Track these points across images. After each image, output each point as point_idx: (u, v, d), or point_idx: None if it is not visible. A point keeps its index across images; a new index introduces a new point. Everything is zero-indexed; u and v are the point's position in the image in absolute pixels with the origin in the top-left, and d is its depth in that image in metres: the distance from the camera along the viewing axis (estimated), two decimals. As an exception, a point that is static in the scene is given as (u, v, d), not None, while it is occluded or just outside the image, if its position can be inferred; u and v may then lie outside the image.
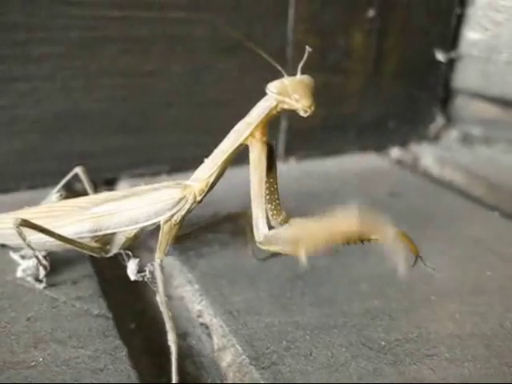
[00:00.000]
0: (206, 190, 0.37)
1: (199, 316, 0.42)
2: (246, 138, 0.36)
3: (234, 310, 0.40)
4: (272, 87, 0.35)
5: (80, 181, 0.46)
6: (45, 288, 0.41)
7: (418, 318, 0.42)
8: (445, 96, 0.79)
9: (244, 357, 0.36)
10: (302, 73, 0.36)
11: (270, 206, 0.37)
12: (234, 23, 0.60)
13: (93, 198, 0.42)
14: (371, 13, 0.66)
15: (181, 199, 0.37)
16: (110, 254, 0.41)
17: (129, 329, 0.40)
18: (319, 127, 0.69)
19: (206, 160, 0.38)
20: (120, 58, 0.56)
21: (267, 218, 0.36)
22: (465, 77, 0.78)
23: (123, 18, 0.54)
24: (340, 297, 0.43)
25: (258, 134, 0.36)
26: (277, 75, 0.63)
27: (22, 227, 0.36)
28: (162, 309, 0.35)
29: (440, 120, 0.79)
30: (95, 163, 0.57)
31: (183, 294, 0.44)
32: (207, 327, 0.41)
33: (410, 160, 0.77)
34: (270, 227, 0.36)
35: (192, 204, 0.38)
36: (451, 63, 0.76)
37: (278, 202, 0.37)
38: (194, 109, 0.60)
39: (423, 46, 0.73)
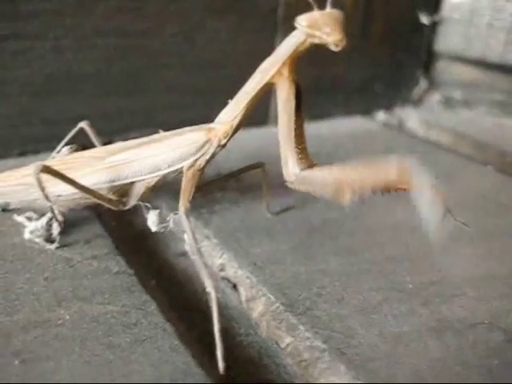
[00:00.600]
0: (230, 132, 0.36)
1: (221, 270, 0.41)
2: (273, 77, 0.35)
3: (257, 262, 0.39)
4: (302, 20, 0.34)
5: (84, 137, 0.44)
6: (57, 248, 0.39)
7: (438, 262, 0.42)
8: (428, 59, 0.79)
9: (278, 305, 0.35)
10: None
11: (296, 149, 0.35)
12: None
13: (108, 147, 0.40)
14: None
15: (205, 142, 0.36)
16: (129, 207, 0.39)
17: (150, 285, 0.39)
18: (308, 90, 0.68)
19: (230, 102, 0.36)
20: (113, 16, 0.53)
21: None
22: (447, 40, 0.78)
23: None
24: (359, 246, 0.43)
25: (285, 72, 0.35)
26: (268, 37, 0.63)
27: (41, 175, 0.34)
28: (195, 257, 0.33)
29: (423, 83, 0.79)
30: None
31: (206, 249, 0.43)
32: (230, 280, 0.40)
33: (395, 123, 0.77)
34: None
35: (217, 147, 0.36)
36: (434, 26, 0.77)
37: (304, 145, 0.36)
38: (187, 70, 0.58)
39: (408, 9, 0.73)
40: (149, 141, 0.38)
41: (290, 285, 0.37)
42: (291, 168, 0.33)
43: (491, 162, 0.65)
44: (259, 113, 0.66)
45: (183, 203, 0.35)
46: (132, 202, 0.39)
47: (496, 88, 0.78)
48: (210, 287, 0.31)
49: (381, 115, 0.77)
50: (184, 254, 0.43)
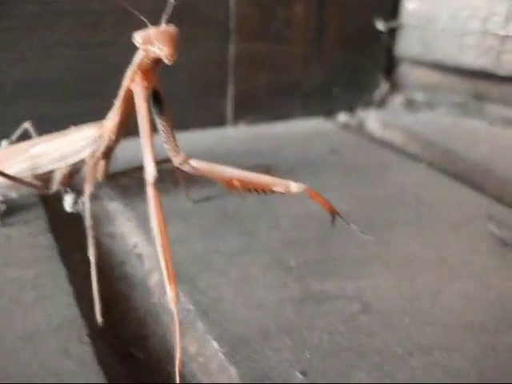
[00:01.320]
0: (115, 128, 0.42)
1: (135, 247, 0.48)
2: (129, 84, 0.40)
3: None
4: (137, 36, 0.37)
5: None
6: (0, 227, 0.47)
7: (329, 245, 0.47)
8: (389, 63, 0.84)
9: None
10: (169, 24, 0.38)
11: (167, 147, 0.40)
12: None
13: (32, 141, 0.48)
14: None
15: (98, 137, 0.43)
16: (52, 191, 0.46)
17: (74, 258, 0.46)
18: (265, 93, 0.75)
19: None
20: (74, 30, 0.61)
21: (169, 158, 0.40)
22: (406, 45, 0.83)
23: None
24: (262, 230, 0.49)
25: (138, 81, 0.39)
26: (220, 48, 0.69)
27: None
28: (87, 231, 0.40)
29: (384, 86, 0.84)
30: (53, 127, 0.62)
31: (123, 230, 0.50)
32: (141, 257, 0.47)
33: (355, 124, 0.82)
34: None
35: (109, 141, 0.43)
36: (392, 32, 0.82)
37: (174, 143, 0.40)
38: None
39: (364, 16, 0.78)
40: (60, 135, 0.46)
41: (185, 260, 0.44)
42: (150, 170, 0.35)
43: (434, 158, 0.69)
44: (216, 115, 0.73)
45: (87, 187, 0.42)
46: (55, 187, 0.46)
47: (455, 90, 0.83)
48: (91, 255, 0.38)
49: (342, 117, 0.83)
50: (111, 234, 0.50)
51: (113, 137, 0.43)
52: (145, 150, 0.36)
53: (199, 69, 0.69)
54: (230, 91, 0.72)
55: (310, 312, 0.39)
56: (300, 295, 0.41)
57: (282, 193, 0.39)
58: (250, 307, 0.39)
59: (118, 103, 0.41)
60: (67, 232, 0.49)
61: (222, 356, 0.34)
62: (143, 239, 0.47)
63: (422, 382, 0.33)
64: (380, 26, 0.80)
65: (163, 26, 0.37)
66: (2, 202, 0.48)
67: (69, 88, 0.63)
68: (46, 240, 0.46)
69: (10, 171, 0.45)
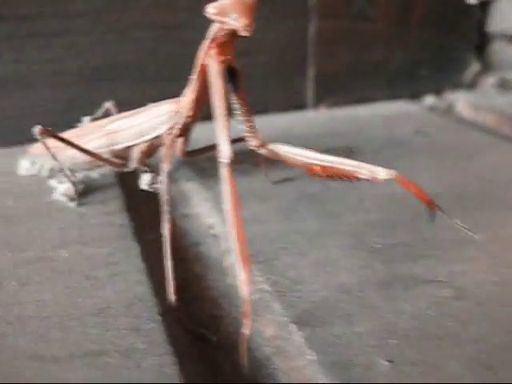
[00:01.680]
0: (192, 105, 0.40)
1: (210, 227, 0.46)
2: (203, 59, 0.37)
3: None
4: (210, 8, 0.34)
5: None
6: (77, 206, 0.47)
7: (418, 227, 0.44)
8: (480, 41, 0.78)
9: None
10: None
11: (243, 128, 0.38)
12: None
13: (111, 117, 0.47)
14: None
15: (175, 113, 0.41)
16: (130, 169, 0.45)
17: (148, 238, 0.44)
18: (347, 74, 0.71)
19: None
20: (150, 11, 0.60)
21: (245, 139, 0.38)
22: (500, 20, 0.77)
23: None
24: (342, 211, 0.46)
25: (214, 55, 0.36)
26: (300, 25, 0.67)
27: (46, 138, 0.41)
28: (163, 210, 0.38)
29: (475, 66, 0.79)
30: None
31: (199, 211, 0.48)
32: (217, 238, 0.45)
33: (443, 107, 0.77)
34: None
35: (186, 118, 0.41)
36: (485, 6, 0.76)
37: (251, 124, 0.38)
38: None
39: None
40: (137, 111, 0.44)
41: (262, 240, 0.42)
42: (225, 150, 0.33)
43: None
44: (296, 97, 0.70)
45: (165, 166, 0.40)
46: (132, 164, 0.45)
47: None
48: (165, 232, 0.37)
49: (429, 99, 0.78)
50: (186, 215, 0.48)
51: (190, 113, 0.41)
52: (219, 129, 0.34)
53: (279, 49, 0.66)
54: (311, 72, 0.69)
55: (396, 296, 0.36)
56: (386, 278, 0.37)
57: (368, 180, 0.35)
58: (330, 289, 0.36)
59: (193, 79, 0.39)
60: (143, 211, 0.48)
61: (300, 339, 0.32)
62: (219, 220, 0.45)
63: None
64: (471, 0, 0.74)
65: None
66: (81, 183, 0.48)
67: (146, 70, 0.63)
68: (121, 219, 0.45)
69: (88, 147, 0.44)
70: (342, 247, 0.41)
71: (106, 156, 0.45)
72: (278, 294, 0.36)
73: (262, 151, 0.37)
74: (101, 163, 0.45)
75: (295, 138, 0.62)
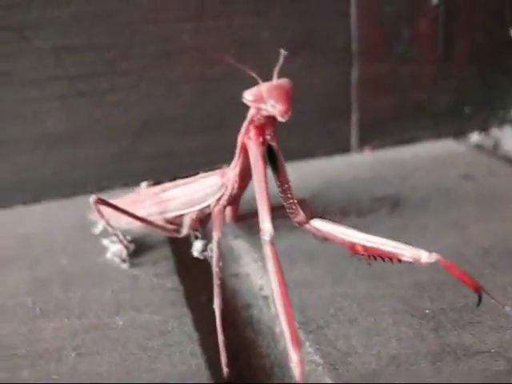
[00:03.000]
0: (237, 178, 0.41)
1: (261, 289, 0.46)
2: (243, 140, 0.38)
3: (290, 283, 0.44)
4: (247, 95, 0.36)
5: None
6: (129, 267, 0.48)
7: (467, 289, 0.43)
8: (526, 77, 0.77)
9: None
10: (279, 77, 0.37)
11: (285, 205, 0.39)
12: (298, 24, 0.64)
13: (164, 185, 0.49)
14: (435, 0, 0.67)
15: (221, 185, 0.42)
16: (182, 235, 0.47)
17: (200, 301, 0.45)
18: (391, 116, 0.71)
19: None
20: (194, 65, 0.62)
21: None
22: (547, 56, 0.76)
23: (194, 30, 0.61)
24: (390, 272, 0.46)
25: (253, 137, 0.37)
26: (343, 72, 0.67)
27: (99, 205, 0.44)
28: (214, 277, 0.39)
29: (522, 102, 0.77)
30: (178, 161, 0.64)
31: (249, 271, 0.49)
32: (268, 301, 0.45)
33: (490, 145, 0.76)
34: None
35: (231, 190, 0.42)
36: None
37: (292, 201, 0.39)
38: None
39: (496, 27, 0.72)
40: (188, 181, 0.46)
41: (311, 306, 0.42)
42: (266, 226, 0.34)
43: None
44: (340, 141, 0.71)
45: (215, 233, 0.41)
46: (184, 231, 0.46)
47: None
48: (215, 305, 0.38)
49: (475, 137, 0.77)
50: (236, 275, 0.49)
51: (235, 185, 0.42)
52: (260, 207, 0.35)
53: (322, 95, 0.67)
54: (355, 116, 0.69)
55: (448, 369, 0.35)
56: (436, 349, 0.37)
57: (410, 263, 0.36)
58: (382, 361, 0.36)
59: (237, 155, 0.40)
60: (193, 273, 0.49)
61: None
62: (269, 281, 0.46)
63: None
64: (515, 36, 0.73)
65: (275, 81, 0.36)
66: (131, 242, 0.50)
67: (192, 123, 0.64)
68: (171, 282, 0.46)
69: (142, 212, 0.46)
70: (390, 313, 0.41)
71: (159, 222, 0.46)
72: (329, 366, 0.36)
73: (306, 228, 0.38)
74: (154, 229, 0.47)
75: (340, 184, 0.62)
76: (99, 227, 0.53)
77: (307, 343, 0.38)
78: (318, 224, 0.38)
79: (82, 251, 0.52)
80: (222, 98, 0.64)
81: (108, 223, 0.46)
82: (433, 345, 0.37)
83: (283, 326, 0.32)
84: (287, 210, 0.39)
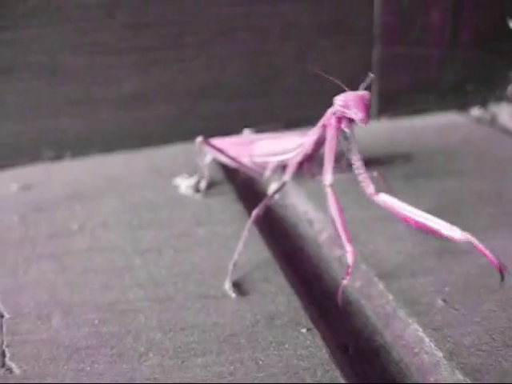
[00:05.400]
0: (312, 144, 0.51)
1: (305, 213, 0.60)
2: (325, 122, 0.49)
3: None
4: (338, 100, 0.44)
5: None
6: (202, 197, 0.62)
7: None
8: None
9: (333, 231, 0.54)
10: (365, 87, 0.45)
11: (359, 179, 0.47)
12: (327, 10, 0.77)
13: (258, 136, 0.63)
14: (445, -6, 0.81)
15: (300, 144, 0.53)
16: (265, 177, 0.59)
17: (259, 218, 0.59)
18: (405, 91, 0.85)
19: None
20: (246, 43, 0.75)
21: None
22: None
23: (248, 13, 0.74)
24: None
25: (333, 123, 0.47)
26: (365, 53, 0.80)
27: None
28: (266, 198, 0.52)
29: (517, 82, 0.91)
30: (228, 122, 0.77)
31: (295, 202, 0.63)
32: (311, 221, 0.59)
33: (488, 118, 0.89)
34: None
35: (306, 151, 0.52)
36: (526, 30, 0.88)
37: (364, 176, 0.47)
38: (302, 80, 0.79)
39: (496, 17, 0.85)
40: (276, 136, 0.59)
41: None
42: (327, 177, 0.47)
43: None
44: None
45: (284, 177, 0.54)
46: (267, 174, 0.58)
47: None
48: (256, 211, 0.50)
49: (475, 111, 0.90)
50: (285, 205, 0.63)
51: (309, 148, 0.52)
52: (326, 165, 0.47)
53: (348, 70, 0.80)
54: (375, 89, 0.83)
55: (448, 260, 0.49)
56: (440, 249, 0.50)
57: (447, 238, 0.43)
58: (400, 256, 0.50)
59: (316, 128, 0.50)
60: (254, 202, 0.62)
61: (381, 287, 0.46)
62: (312, 208, 0.59)
63: None
64: (512, 25, 0.86)
65: (359, 92, 0.44)
66: (208, 179, 0.63)
67: (242, 90, 0.78)
68: (237, 206, 0.60)
69: (237, 154, 0.59)
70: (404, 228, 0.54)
71: (248, 164, 0.59)
72: (363, 258, 0.50)
73: (374, 198, 0.47)
74: (243, 168, 0.60)
75: (362, 145, 0.76)
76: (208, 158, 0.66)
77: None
78: (383, 197, 0.46)
79: (159, 187, 0.65)
80: (267, 70, 0.77)
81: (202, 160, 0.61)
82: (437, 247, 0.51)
83: (340, 230, 0.45)
84: (360, 184, 0.47)
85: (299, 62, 0.78)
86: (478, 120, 0.88)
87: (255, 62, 0.77)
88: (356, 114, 0.43)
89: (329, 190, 0.47)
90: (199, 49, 0.75)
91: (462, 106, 0.90)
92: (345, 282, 0.44)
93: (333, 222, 0.46)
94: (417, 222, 0.44)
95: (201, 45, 0.74)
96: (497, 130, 0.84)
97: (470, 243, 0.41)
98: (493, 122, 0.89)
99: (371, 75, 0.45)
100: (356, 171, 0.48)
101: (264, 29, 0.76)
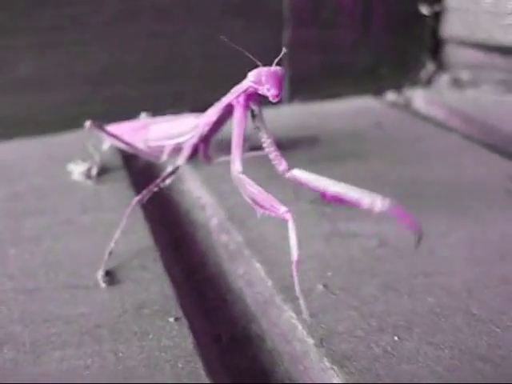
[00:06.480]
0: (210, 125, 0.49)
1: (199, 198, 0.58)
2: (232, 101, 0.46)
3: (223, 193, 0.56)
4: (250, 76, 0.42)
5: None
6: (94, 183, 0.59)
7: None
8: (435, 45, 0.90)
9: (224, 220, 0.52)
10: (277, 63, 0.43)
11: (271, 157, 0.45)
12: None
13: (154, 119, 0.59)
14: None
15: (195, 126, 0.51)
16: (162, 160, 0.56)
17: (148, 208, 0.56)
18: (318, 74, 0.84)
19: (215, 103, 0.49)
20: (149, 24, 0.72)
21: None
22: (451, 27, 0.89)
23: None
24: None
25: (241, 101, 0.45)
26: (275, 35, 0.79)
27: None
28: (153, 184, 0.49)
29: (430, 66, 0.91)
30: (132, 107, 0.74)
31: (190, 187, 0.60)
32: (204, 207, 0.57)
33: (403, 102, 0.89)
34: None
35: (202, 132, 0.50)
36: (437, 15, 0.88)
37: (276, 153, 0.45)
38: (207, 62, 0.76)
39: (408, 2, 0.85)
40: (171, 119, 0.56)
41: (239, 207, 0.54)
42: (236, 167, 0.43)
43: (473, 132, 0.76)
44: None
45: (178, 161, 0.51)
46: (164, 158, 0.55)
47: (498, 68, 0.88)
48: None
49: (390, 95, 0.90)
50: (180, 191, 0.61)
51: (206, 129, 0.50)
52: (234, 151, 0.44)
53: (257, 53, 0.78)
54: (286, 73, 0.81)
55: (335, 244, 0.48)
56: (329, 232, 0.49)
57: (367, 209, 0.39)
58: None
59: (218, 107, 0.48)
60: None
61: (262, 273, 0.44)
62: (205, 193, 0.57)
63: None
64: (424, 10, 0.86)
65: (272, 68, 0.42)
66: (99, 166, 0.60)
67: (145, 73, 0.75)
68: (128, 192, 0.57)
69: (133, 139, 0.56)
70: (297, 212, 0.53)
71: (144, 149, 0.56)
72: (248, 243, 0.48)
73: (287, 176, 0.43)
74: (139, 153, 0.56)
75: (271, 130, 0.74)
76: (106, 144, 0.63)
77: (233, 231, 0.50)
78: (297, 173, 0.43)
79: (51, 174, 0.62)
80: (171, 53, 0.75)
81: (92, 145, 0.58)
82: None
83: (266, 208, 0.41)
84: (272, 162, 0.44)
85: (205, 44, 0.76)
86: (393, 104, 0.88)
87: (159, 44, 0.74)
88: (269, 89, 0.41)
89: (240, 178, 0.42)
90: (99, 30, 0.71)
91: (377, 91, 0.89)
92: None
93: (254, 203, 0.41)
94: (335, 196, 0.41)
95: (101, 26, 0.71)
96: (410, 114, 0.84)
97: (389, 212, 0.38)
98: (407, 106, 0.89)
99: (284, 50, 0.44)
100: (267, 149, 0.45)
101: (168, 10, 0.73)
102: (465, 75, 0.92)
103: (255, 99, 0.45)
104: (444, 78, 0.93)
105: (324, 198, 0.41)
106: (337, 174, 0.58)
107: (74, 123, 0.73)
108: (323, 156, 0.66)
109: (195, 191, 0.60)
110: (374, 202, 0.38)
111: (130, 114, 0.68)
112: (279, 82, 0.41)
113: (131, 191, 0.57)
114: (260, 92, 0.42)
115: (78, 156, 0.64)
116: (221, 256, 0.50)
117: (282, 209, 0.40)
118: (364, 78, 0.87)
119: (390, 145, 0.70)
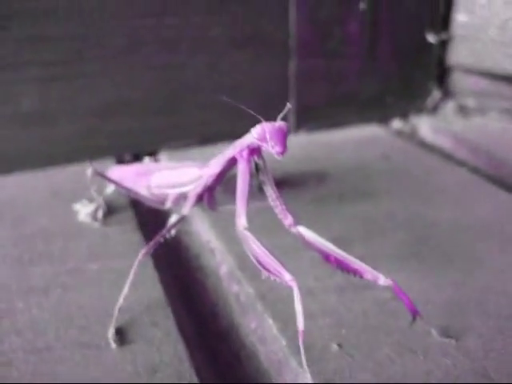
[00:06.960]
0: (213, 176, 0.48)
1: (208, 242, 0.57)
2: (236, 155, 0.45)
3: (231, 238, 0.55)
4: (254, 131, 0.42)
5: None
6: (100, 226, 0.58)
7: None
8: (441, 72, 0.90)
9: (235, 269, 0.51)
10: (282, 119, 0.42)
11: (276, 211, 0.44)
12: (241, 22, 0.74)
13: (158, 165, 0.59)
14: (362, 5, 0.79)
15: (200, 177, 0.50)
16: (166, 207, 0.55)
17: (158, 252, 0.56)
18: (324, 104, 0.83)
19: (216, 156, 0.48)
20: (154, 56, 0.72)
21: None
22: (457, 55, 0.89)
23: (156, 25, 0.70)
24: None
25: (245, 155, 0.44)
26: (282, 65, 0.78)
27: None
28: (161, 233, 0.48)
29: (436, 94, 0.90)
30: (138, 140, 0.74)
31: (199, 229, 0.60)
32: (213, 250, 0.56)
33: (409, 130, 0.89)
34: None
35: (206, 183, 0.49)
36: (443, 43, 0.88)
37: (282, 207, 0.44)
38: (214, 93, 0.75)
39: (415, 31, 0.84)
40: (175, 166, 0.55)
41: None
42: (241, 220, 0.42)
43: (481, 163, 0.75)
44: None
45: (183, 210, 0.51)
46: (168, 205, 0.55)
47: (504, 96, 0.88)
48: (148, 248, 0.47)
49: (396, 123, 0.89)
50: (189, 232, 0.60)
51: (210, 180, 0.49)
52: (239, 206, 0.43)
53: (264, 83, 0.78)
54: (292, 103, 0.80)
55: (348, 297, 0.47)
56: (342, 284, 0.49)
57: (370, 281, 0.41)
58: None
59: (221, 159, 0.47)
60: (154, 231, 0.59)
61: (275, 330, 0.43)
62: (214, 237, 0.57)
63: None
64: (431, 38, 0.86)
65: (277, 123, 0.41)
66: (104, 208, 0.59)
67: (152, 106, 0.74)
68: (135, 236, 0.56)
69: (136, 185, 0.56)
70: (307, 262, 0.52)
71: (147, 195, 0.55)
72: (259, 296, 0.47)
73: (293, 231, 0.43)
74: (142, 199, 0.56)
75: (276, 164, 0.74)
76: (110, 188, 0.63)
77: (243, 281, 0.49)
78: (303, 230, 0.43)
79: (57, 213, 0.61)
80: (177, 84, 0.74)
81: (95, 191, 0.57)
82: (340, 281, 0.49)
83: (272, 271, 0.40)
84: (278, 216, 0.44)
85: (211, 75, 0.75)
86: (399, 132, 0.88)
87: (164, 76, 0.73)
88: (273, 147, 0.40)
89: (245, 235, 0.41)
90: (104, 63, 0.70)
91: (383, 119, 0.89)
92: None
93: (259, 264, 0.41)
94: (338, 261, 0.42)
95: (105, 59, 0.70)
96: (416, 143, 0.83)
97: (392, 288, 0.40)
98: (413, 134, 0.88)
99: (289, 105, 0.43)
100: (272, 203, 0.44)
101: (173, 41, 0.72)
102: (471, 103, 0.91)
103: (259, 154, 0.45)
104: (450, 106, 0.92)
105: (327, 261, 0.42)
106: (347, 214, 0.59)
107: (79, 156, 0.73)
108: (331, 195, 0.65)
109: (204, 234, 0.59)
110: (376, 278, 0.40)
111: (136, 147, 0.67)
112: (284, 138, 0.41)
113: (139, 234, 0.57)
114: (264, 148, 0.42)
115: (83, 192, 0.63)
116: (232, 306, 0.49)
117: (287, 276, 0.40)
118: (370, 106, 0.87)
119: (399, 180, 0.69)
